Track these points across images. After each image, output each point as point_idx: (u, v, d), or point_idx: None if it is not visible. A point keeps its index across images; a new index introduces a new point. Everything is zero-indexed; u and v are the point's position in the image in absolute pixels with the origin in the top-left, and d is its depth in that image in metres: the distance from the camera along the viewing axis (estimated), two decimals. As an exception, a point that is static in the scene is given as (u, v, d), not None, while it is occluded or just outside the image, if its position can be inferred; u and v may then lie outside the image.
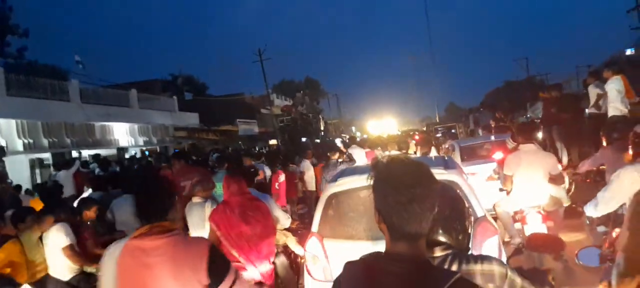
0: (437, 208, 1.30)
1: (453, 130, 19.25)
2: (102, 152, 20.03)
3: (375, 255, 1.34)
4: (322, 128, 51.91)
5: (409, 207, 1.24)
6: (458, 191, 2.66)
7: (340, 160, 9.43)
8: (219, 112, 34.78)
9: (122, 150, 20.40)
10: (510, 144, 6.79)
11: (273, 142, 35.88)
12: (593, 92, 8.35)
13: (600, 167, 4.90)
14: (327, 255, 3.86)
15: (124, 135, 20.64)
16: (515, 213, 5.09)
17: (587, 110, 9.60)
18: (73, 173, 10.81)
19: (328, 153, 10.20)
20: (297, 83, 61.89)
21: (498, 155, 6.95)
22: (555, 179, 4.90)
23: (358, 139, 16.13)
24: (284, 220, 4.92)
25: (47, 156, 16.45)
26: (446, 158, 5.66)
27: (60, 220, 5.05)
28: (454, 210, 1.64)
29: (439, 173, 3.64)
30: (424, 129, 25.18)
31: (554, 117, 10.65)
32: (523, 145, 5.23)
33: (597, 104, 8.24)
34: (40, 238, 5.04)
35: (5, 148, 11.82)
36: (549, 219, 4.83)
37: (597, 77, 8.39)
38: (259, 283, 3.86)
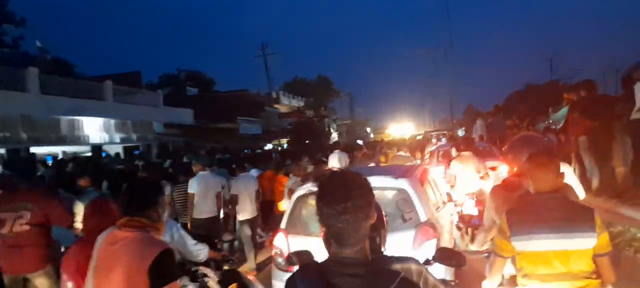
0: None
1: (442, 138, 20.75)
2: (72, 149, 18.36)
3: (327, 260, 1.50)
4: (332, 130, 49.76)
5: (342, 218, 1.41)
6: (404, 197, 4.17)
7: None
8: (220, 109, 32.90)
9: (97, 148, 18.66)
10: (455, 152, 7.92)
11: (268, 146, 33.67)
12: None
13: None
14: (290, 249, 4.13)
15: (97, 131, 18.80)
16: (456, 200, 6.35)
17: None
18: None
19: (354, 152, 11.27)
20: (309, 81, 59.70)
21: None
22: (483, 177, 6.69)
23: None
24: (197, 252, 3.74)
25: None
26: (405, 166, 6.17)
27: None
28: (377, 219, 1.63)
29: (388, 182, 4.36)
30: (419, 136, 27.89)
31: (579, 125, 8.27)
32: (463, 152, 7.06)
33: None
34: None
35: None
36: (480, 204, 6.20)
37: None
38: None
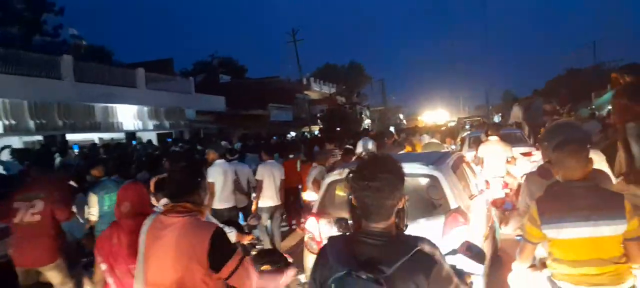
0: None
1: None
2: (107, 136, 18.72)
3: (354, 232, 1.71)
4: (365, 117, 49.12)
5: (366, 194, 1.59)
6: (434, 184, 4.19)
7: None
8: (251, 96, 32.98)
9: (131, 134, 18.95)
10: (483, 137, 8.40)
11: (292, 134, 33.53)
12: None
13: None
14: (320, 232, 4.31)
15: (130, 118, 19.12)
16: (486, 181, 6.27)
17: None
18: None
19: (385, 138, 11.22)
20: (340, 67, 59.12)
21: None
22: (510, 161, 7.02)
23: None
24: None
25: (38, 139, 15.17)
26: (439, 154, 5.91)
27: None
28: None
29: (419, 168, 4.37)
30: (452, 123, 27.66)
31: (627, 111, 7.67)
32: (490, 137, 7.38)
33: None
34: None
35: None
36: (506, 187, 6.87)
37: None
38: None
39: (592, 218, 2.39)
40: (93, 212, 4.71)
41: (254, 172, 6.99)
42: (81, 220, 4.66)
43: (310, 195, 6.83)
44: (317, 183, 6.59)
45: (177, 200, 2.31)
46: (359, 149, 8.51)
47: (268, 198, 6.72)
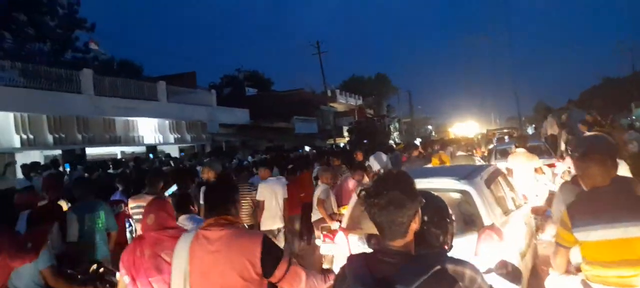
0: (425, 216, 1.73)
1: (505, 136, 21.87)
2: (128, 149, 18.64)
3: (374, 251, 1.69)
4: (394, 129, 48.30)
5: (373, 212, 1.59)
6: (466, 199, 4.01)
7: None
8: (276, 109, 32.79)
9: (152, 148, 18.82)
10: (512, 149, 8.73)
11: (307, 149, 32.97)
12: None
13: None
14: (350, 247, 4.19)
15: (151, 131, 19.01)
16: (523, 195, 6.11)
17: None
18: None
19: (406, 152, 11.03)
20: (366, 79, 58.57)
21: None
22: (537, 171, 7.31)
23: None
24: None
25: (58, 153, 15.15)
26: (472, 168, 5.63)
27: None
28: (435, 216, 1.88)
29: (450, 183, 4.17)
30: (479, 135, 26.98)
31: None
32: (518, 149, 7.80)
33: None
34: None
35: None
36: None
37: None
38: None
39: (620, 220, 2.47)
40: (72, 231, 4.39)
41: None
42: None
43: (316, 217, 6.30)
44: (322, 203, 6.06)
45: (217, 213, 2.36)
46: (374, 165, 7.91)
47: (269, 220, 6.16)
